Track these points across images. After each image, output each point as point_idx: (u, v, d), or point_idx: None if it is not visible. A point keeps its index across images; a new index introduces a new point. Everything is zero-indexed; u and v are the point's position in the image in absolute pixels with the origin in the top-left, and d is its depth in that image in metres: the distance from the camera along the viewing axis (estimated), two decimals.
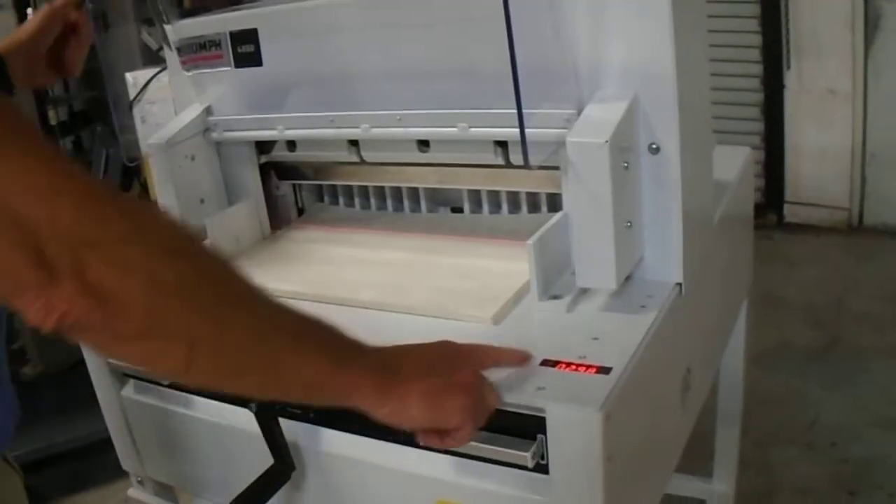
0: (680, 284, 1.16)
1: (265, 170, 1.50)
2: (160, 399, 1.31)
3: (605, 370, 0.98)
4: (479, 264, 1.30)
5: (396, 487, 1.11)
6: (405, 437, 1.06)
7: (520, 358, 1.00)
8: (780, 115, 3.92)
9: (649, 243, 1.15)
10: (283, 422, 1.16)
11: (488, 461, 1.00)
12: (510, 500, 1.02)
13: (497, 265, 1.28)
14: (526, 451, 0.96)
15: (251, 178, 1.47)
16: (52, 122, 3.67)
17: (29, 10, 2.57)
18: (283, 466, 1.15)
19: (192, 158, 1.42)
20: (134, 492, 1.42)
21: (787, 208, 3.96)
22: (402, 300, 1.23)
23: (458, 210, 1.48)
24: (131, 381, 1.34)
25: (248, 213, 1.46)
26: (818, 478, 2.29)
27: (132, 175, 2.77)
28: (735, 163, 1.58)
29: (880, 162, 3.71)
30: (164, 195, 1.42)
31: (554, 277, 1.18)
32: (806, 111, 3.84)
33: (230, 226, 1.42)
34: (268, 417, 1.12)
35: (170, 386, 1.27)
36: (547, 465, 0.97)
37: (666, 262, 1.15)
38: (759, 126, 3.99)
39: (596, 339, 1.06)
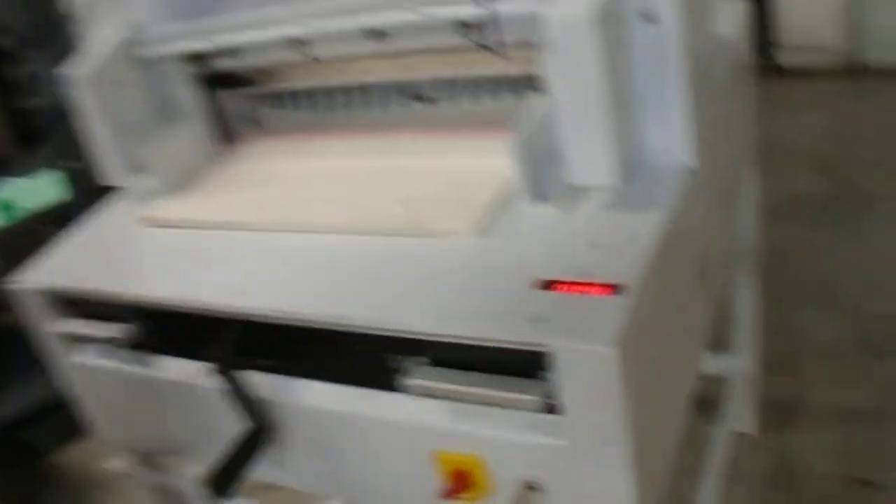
0: (693, 170, 0.97)
1: (204, 82, 1.29)
2: (117, 362, 1.14)
3: (615, 288, 0.80)
4: (451, 164, 1.11)
5: (388, 440, 0.95)
6: (392, 384, 0.90)
7: None
8: None
9: (651, 125, 0.95)
10: (256, 377, 1.00)
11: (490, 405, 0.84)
12: (521, 447, 0.86)
13: (473, 163, 1.08)
14: (532, 394, 0.79)
15: (189, 95, 1.26)
16: (5, 48, 3.40)
17: None
18: (261, 427, 0.99)
19: (119, 84, 1.21)
20: (118, 463, 1.26)
21: (779, 52, 3.73)
22: (367, 220, 1.04)
23: (422, 100, 1.27)
24: (80, 346, 1.17)
25: (190, 134, 1.26)
26: (841, 340, 2.13)
27: None
28: (731, 16, 1.36)
29: None
30: (93, 130, 1.21)
31: (542, 175, 0.98)
32: None
33: (173, 152, 1.22)
34: (230, 376, 0.95)
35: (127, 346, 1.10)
36: (555, 404, 0.81)
37: (673, 144, 0.96)
38: None
39: (600, 247, 0.87)
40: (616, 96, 0.88)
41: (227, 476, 0.94)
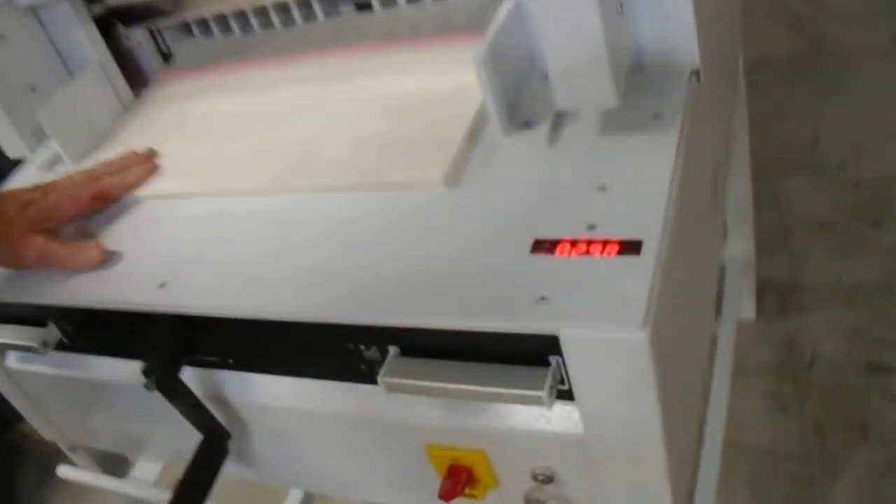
0: (697, 71, 0.77)
1: (105, 22, 1.06)
2: (49, 365, 0.94)
3: (631, 246, 0.61)
4: (408, 88, 0.90)
5: (373, 437, 0.77)
6: (365, 376, 0.72)
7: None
8: None
9: (647, 21, 0.75)
10: (202, 375, 0.82)
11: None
12: (527, 439, 0.69)
13: (433, 84, 0.88)
14: (539, 387, 0.61)
15: (88, 39, 1.03)
16: None
17: None
18: (214, 439, 0.81)
19: (2, 39, 0.99)
20: (65, 471, 1.07)
21: None
22: (308, 174, 0.83)
23: (365, 7, 1.05)
24: (9, 352, 0.97)
25: (93, 84, 1.03)
26: (835, 208, 1.96)
27: None
28: None
29: None
30: None
31: (516, 95, 0.79)
32: None
33: (74, 109, 1.00)
34: (166, 384, 0.77)
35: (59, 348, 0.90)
36: (570, 390, 0.63)
37: (674, 42, 0.75)
38: None
39: (603, 188, 0.68)
40: None
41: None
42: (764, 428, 1.59)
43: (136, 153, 0.94)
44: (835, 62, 2.40)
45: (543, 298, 0.60)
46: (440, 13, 0.98)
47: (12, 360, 0.97)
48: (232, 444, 0.84)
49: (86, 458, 1.11)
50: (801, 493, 1.48)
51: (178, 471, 0.85)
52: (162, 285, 0.77)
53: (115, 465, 1.13)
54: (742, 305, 1.76)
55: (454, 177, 0.74)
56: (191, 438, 0.89)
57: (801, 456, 1.52)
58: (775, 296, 1.81)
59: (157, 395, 0.76)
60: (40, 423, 1.06)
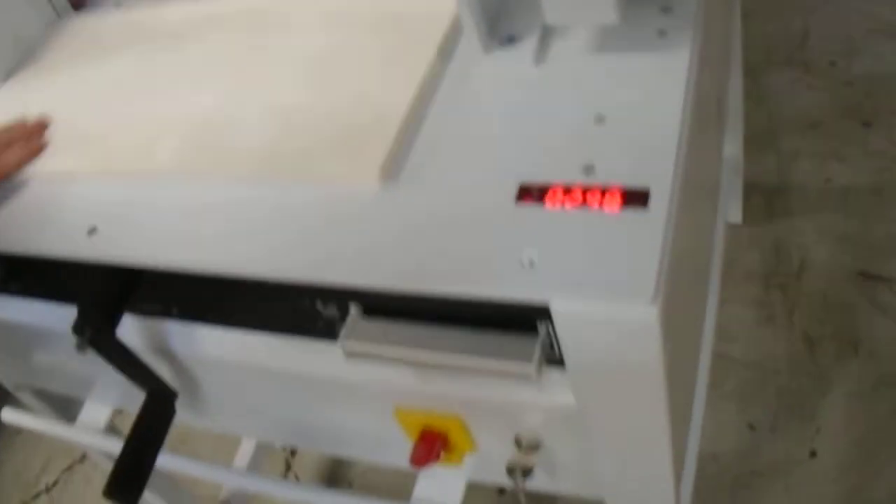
0: None
1: None
2: None
3: (638, 197, 0.50)
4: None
5: (335, 397, 0.67)
6: (325, 333, 0.62)
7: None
8: None
9: None
10: (144, 324, 0.71)
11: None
12: (511, 407, 0.59)
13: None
14: (528, 358, 0.51)
15: None
16: None
17: None
18: (159, 399, 0.70)
19: None
20: (8, 413, 0.96)
21: None
22: (218, 158, 0.66)
23: None
24: None
25: None
26: (824, 107, 1.83)
27: None
28: None
29: None
30: None
31: (498, 3, 0.66)
32: None
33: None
34: (101, 342, 0.65)
35: None
36: (560, 357, 0.52)
37: None
38: None
39: (601, 119, 0.56)
40: None
41: (131, 482, 0.67)
42: (752, 339, 1.50)
43: (23, 125, 0.77)
44: None
45: (531, 261, 0.49)
46: None
47: None
48: (179, 398, 0.74)
49: (33, 397, 1.00)
50: (790, 406, 1.40)
51: (129, 417, 0.76)
52: (91, 231, 0.65)
53: (66, 404, 1.03)
54: (729, 208, 1.66)
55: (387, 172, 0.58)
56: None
57: (790, 369, 1.44)
58: (763, 198, 1.70)
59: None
60: None
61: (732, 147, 1.58)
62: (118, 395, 0.87)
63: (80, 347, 0.64)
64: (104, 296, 0.65)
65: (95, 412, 0.91)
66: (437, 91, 0.63)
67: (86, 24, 0.90)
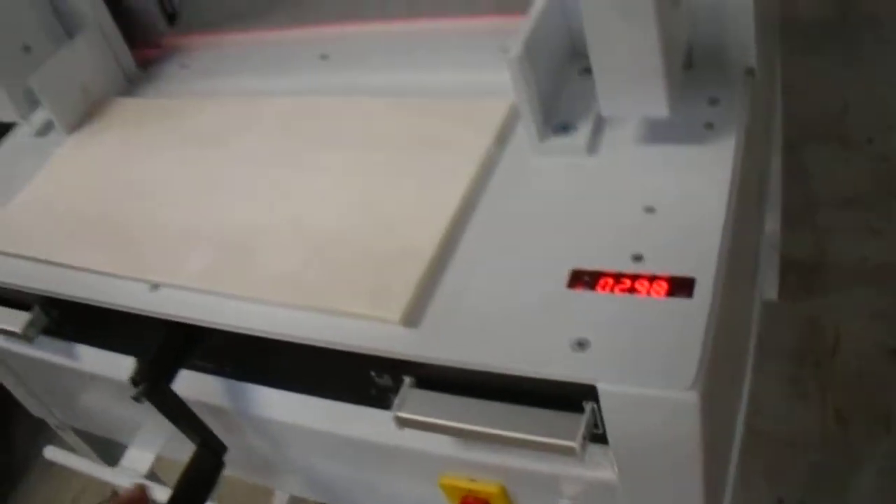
0: (752, 70, 0.68)
1: None
2: (37, 349, 0.87)
3: (683, 286, 0.53)
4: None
5: (380, 464, 0.71)
6: (375, 402, 0.65)
7: None
8: None
9: (701, 17, 0.66)
10: (204, 381, 0.75)
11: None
12: (552, 479, 0.62)
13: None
14: (572, 437, 0.54)
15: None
16: None
17: None
18: (209, 452, 0.74)
19: None
20: (52, 452, 1.01)
21: None
22: (248, 274, 0.67)
23: None
24: None
25: (91, 47, 0.93)
26: (860, 182, 1.86)
27: None
28: None
29: None
30: None
31: (554, 91, 0.70)
32: None
33: (69, 74, 0.91)
34: (156, 395, 0.70)
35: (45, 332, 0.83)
36: (603, 433, 0.56)
37: (729, 40, 0.66)
38: None
39: (651, 210, 0.59)
40: None
41: None
42: (784, 414, 1.52)
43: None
44: (864, 29, 2.27)
45: (580, 344, 0.52)
46: None
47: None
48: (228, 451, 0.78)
49: (75, 435, 1.04)
50: (820, 482, 1.42)
51: (172, 463, 0.79)
52: (154, 287, 0.69)
53: (107, 445, 1.07)
54: (765, 284, 1.68)
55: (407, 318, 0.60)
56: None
57: (821, 445, 1.46)
58: (799, 275, 1.73)
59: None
60: (28, 401, 1.00)
61: (771, 223, 1.61)
62: (163, 442, 0.91)
63: (137, 398, 0.68)
64: (164, 350, 0.70)
65: (139, 457, 0.95)
66: (492, 176, 0.67)
67: (143, 105, 0.95)
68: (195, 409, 0.75)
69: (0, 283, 0.78)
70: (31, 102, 0.93)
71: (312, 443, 0.73)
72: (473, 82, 0.77)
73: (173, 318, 0.67)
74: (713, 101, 0.66)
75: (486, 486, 0.66)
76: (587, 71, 0.64)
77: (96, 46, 0.94)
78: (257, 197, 0.74)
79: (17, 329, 0.79)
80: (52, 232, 0.79)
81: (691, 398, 0.48)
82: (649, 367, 0.50)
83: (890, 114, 1.99)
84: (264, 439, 0.77)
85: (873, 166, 1.89)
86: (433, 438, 0.64)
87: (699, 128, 0.64)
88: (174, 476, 0.75)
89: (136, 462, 0.95)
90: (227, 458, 0.78)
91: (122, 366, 0.75)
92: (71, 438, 1.05)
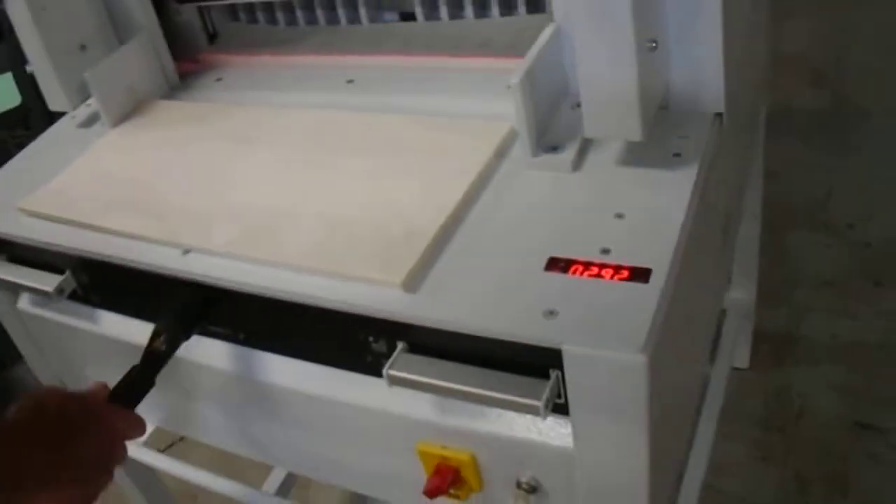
0: (720, 115, 0.81)
1: None
2: (61, 313, 0.99)
3: (641, 274, 0.65)
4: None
5: (365, 428, 0.81)
6: (368, 368, 0.76)
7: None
8: None
9: (676, 64, 0.79)
10: (213, 345, 0.85)
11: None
12: (518, 446, 0.72)
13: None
14: (537, 397, 0.65)
15: (141, 8, 1.07)
16: None
17: None
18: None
19: None
20: None
21: None
22: (273, 242, 0.79)
23: (408, 17, 1.09)
24: (25, 293, 1.02)
25: (141, 52, 1.07)
26: (839, 267, 1.99)
27: None
28: None
29: None
30: (32, 49, 1.03)
31: (548, 118, 0.82)
32: None
33: (120, 74, 1.04)
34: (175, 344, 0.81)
35: (71, 297, 0.94)
36: (566, 403, 0.66)
37: (700, 86, 0.79)
38: None
39: (620, 216, 0.71)
40: (645, 31, 0.70)
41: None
42: (745, 475, 1.62)
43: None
44: (855, 120, 2.43)
45: (552, 312, 0.63)
46: (482, 30, 1.01)
47: (24, 302, 1.02)
48: (227, 420, 0.88)
49: None
50: None
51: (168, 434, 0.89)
52: (185, 252, 0.81)
53: None
54: (737, 353, 1.79)
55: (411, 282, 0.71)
56: (186, 404, 0.94)
57: None
58: (771, 347, 1.84)
59: None
60: (39, 366, 1.10)
61: (745, 293, 1.74)
62: (164, 415, 1.01)
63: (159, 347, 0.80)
64: (187, 308, 0.81)
65: None
66: (490, 181, 0.79)
67: (182, 107, 1.07)
68: (201, 374, 0.86)
69: (45, 244, 0.89)
70: (82, 96, 1.06)
71: (307, 409, 0.83)
72: (481, 110, 0.89)
73: (201, 280, 0.78)
74: (683, 136, 0.78)
75: (459, 454, 0.76)
76: (578, 106, 0.78)
77: (145, 53, 1.07)
78: (281, 187, 0.86)
79: (49, 288, 0.90)
80: (93, 202, 0.91)
81: (640, 360, 0.59)
82: (607, 334, 0.61)
83: (873, 202, 2.13)
84: (262, 407, 0.87)
85: (853, 252, 2.02)
86: (416, 404, 0.74)
87: (668, 156, 0.76)
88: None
89: None
90: (225, 433, 0.88)
91: (139, 331, 0.87)
92: None
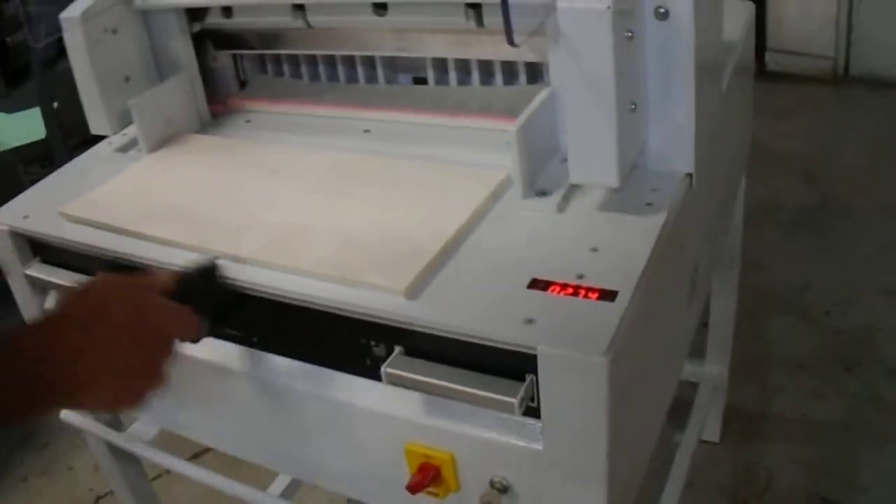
0: (690, 175, 0.94)
1: (200, 40, 1.25)
2: None
3: (608, 295, 0.78)
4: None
5: (357, 426, 0.92)
6: (367, 371, 0.87)
7: None
8: None
9: (653, 127, 0.93)
10: (222, 347, 0.97)
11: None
12: (494, 447, 0.83)
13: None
14: (513, 395, 0.77)
15: (183, 51, 1.22)
16: None
17: None
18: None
19: (114, 31, 1.17)
20: (68, 414, 1.22)
21: (769, 56, 3.69)
22: (294, 253, 0.92)
23: (421, 81, 1.24)
24: (53, 294, 1.13)
25: (180, 90, 1.21)
26: (812, 351, 2.12)
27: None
28: (737, 18, 1.33)
29: (868, 7, 3.44)
30: (82, 76, 1.17)
31: (539, 168, 0.96)
32: None
33: (160, 106, 1.18)
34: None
35: None
36: (538, 407, 0.78)
37: (673, 148, 0.93)
38: None
39: (595, 249, 0.85)
40: (626, 95, 0.85)
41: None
42: None
43: None
44: (840, 217, 2.59)
45: (530, 321, 0.76)
46: (485, 95, 1.16)
47: (52, 302, 1.13)
48: (227, 425, 1.00)
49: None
50: None
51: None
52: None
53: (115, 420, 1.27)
54: (709, 427, 1.91)
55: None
56: (193, 413, 1.05)
57: None
58: (742, 423, 1.96)
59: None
60: None
61: (717, 368, 1.86)
62: (168, 417, 1.12)
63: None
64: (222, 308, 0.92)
65: (143, 430, 1.17)
66: (486, 216, 0.93)
67: (215, 140, 1.22)
68: (212, 373, 0.98)
69: (84, 245, 1.02)
70: (122, 122, 1.19)
71: (308, 409, 0.95)
72: (480, 161, 1.03)
73: (232, 283, 0.90)
74: (655, 190, 0.91)
75: (441, 453, 0.87)
76: (565, 161, 0.92)
77: (183, 91, 1.22)
78: (301, 209, 1.00)
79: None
80: (130, 211, 1.04)
81: (602, 361, 0.71)
82: (576, 339, 0.73)
83: (850, 292, 2.28)
84: (265, 409, 0.99)
85: (827, 338, 2.15)
86: (406, 406, 0.86)
87: (642, 205, 0.89)
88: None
89: (142, 431, 1.17)
90: (226, 438, 1.00)
91: None
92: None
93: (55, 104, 2.13)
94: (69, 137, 2.09)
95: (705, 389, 1.81)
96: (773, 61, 3.66)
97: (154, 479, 1.92)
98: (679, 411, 1.72)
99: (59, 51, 2.21)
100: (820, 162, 2.91)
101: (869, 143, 2.99)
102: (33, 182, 1.20)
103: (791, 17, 3.59)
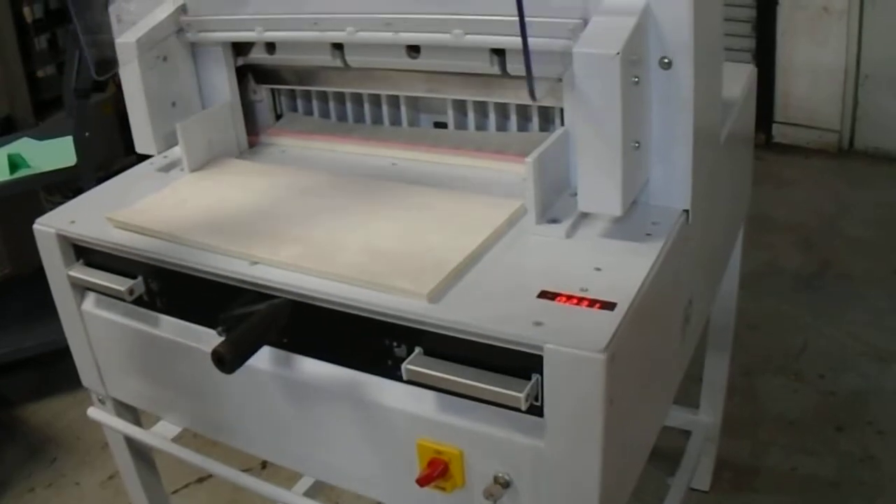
0: (687, 211, 1.08)
1: (242, 73, 1.40)
2: (122, 315, 1.23)
3: (608, 305, 0.91)
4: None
5: (375, 422, 1.04)
6: (387, 371, 0.99)
7: None
8: (772, 31, 3.78)
9: (655, 165, 1.07)
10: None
11: (476, 400, 0.93)
12: (500, 443, 0.95)
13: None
14: (520, 391, 0.89)
15: (227, 82, 1.37)
16: (28, 19, 3.55)
17: None
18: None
19: (164, 59, 1.33)
20: (94, 412, 1.35)
21: (776, 128, 3.86)
22: (328, 260, 1.05)
23: (441, 125, 1.38)
24: (91, 294, 1.26)
25: (221, 117, 1.36)
26: (805, 410, 2.24)
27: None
28: (738, 80, 1.48)
29: (874, 83, 3.61)
30: (133, 99, 1.32)
31: (552, 199, 1.10)
32: (799, 28, 3.71)
33: (202, 131, 1.33)
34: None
35: (134, 302, 1.18)
36: (541, 406, 0.91)
37: (673, 187, 1.08)
38: (751, 43, 3.85)
39: (598, 269, 0.98)
40: (631, 134, 0.99)
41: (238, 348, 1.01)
42: None
43: None
44: (837, 283, 2.74)
45: (539, 323, 0.89)
46: (501, 139, 1.30)
47: (89, 304, 1.26)
48: (248, 426, 1.12)
49: (109, 411, 1.36)
50: None
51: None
52: (253, 264, 1.07)
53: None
54: (699, 475, 2.02)
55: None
56: (217, 409, 1.17)
57: None
58: (732, 474, 2.07)
59: (203, 363, 1.03)
60: (87, 366, 1.32)
61: (710, 421, 1.98)
62: (192, 417, 1.24)
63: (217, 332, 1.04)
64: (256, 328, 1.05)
65: (168, 428, 1.29)
66: (502, 239, 1.06)
67: (253, 165, 1.36)
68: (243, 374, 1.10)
69: (129, 249, 1.15)
70: (166, 143, 1.34)
71: (331, 407, 1.07)
72: (496, 193, 1.16)
73: (267, 287, 1.03)
74: (655, 223, 1.05)
75: (450, 449, 0.99)
76: (574, 195, 1.06)
77: (225, 117, 1.37)
78: (334, 224, 1.14)
79: (122, 288, 1.16)
80: (173, 220, 1.18)
81: (601, 358, 0.84)
82: (578, 339, 0.86)
83: (845, 357, 2.42)
84: (289, 407, 1.11)
85: (820, 399, 2.28)
86: (421, 404, 0.98)
87: (642, 235, 1.03)
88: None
89: (167, 430, 1.29)
90: (252, 438, 1.12)
91: (196, 336, 1.12)
92: (109, 409, 1.36)
93: (81, 132, 2.27)
94: (92, 164, 2.23)
95: (697, 438, 1.93)
96: (779, 133, 3.82)
97: (174, 492, 2.05)
98: (671, 458, 1.85)
99: (95, 85, 2.37)
100: (821, 231, 3.07)
101: (870, 214, 3.15)
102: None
103: (799, 91, 3.76)
